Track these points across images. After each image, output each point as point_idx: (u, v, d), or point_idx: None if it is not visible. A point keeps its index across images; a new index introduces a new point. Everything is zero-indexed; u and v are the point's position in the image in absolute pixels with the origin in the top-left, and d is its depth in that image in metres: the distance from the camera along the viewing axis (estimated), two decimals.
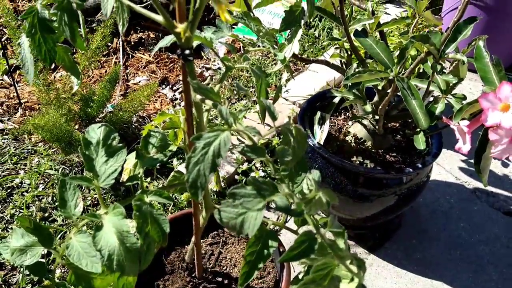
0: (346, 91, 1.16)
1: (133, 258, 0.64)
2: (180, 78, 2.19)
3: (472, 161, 1.69)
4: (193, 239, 0.95)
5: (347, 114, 1.43)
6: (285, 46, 0.86)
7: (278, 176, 0.57)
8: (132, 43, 2.33)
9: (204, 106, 0.73)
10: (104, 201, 0.71)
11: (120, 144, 0.75)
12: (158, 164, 1.47)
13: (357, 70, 0.95)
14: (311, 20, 2.42)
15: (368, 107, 1.14)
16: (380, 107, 1.09)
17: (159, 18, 0.59)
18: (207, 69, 2.25)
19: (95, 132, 0.75)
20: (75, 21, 0.62)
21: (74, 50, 1.80)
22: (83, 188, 1.46)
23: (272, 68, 2.12)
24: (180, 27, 0.52)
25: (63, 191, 0.73)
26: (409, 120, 1.34)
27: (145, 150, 0.80)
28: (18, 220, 0.72)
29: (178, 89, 2.13)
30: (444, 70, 1.14)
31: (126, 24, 0.68)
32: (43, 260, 0.74)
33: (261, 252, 0.74)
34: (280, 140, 0.62)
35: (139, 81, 2.16)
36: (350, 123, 1.41)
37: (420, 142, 1.11)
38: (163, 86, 2.13)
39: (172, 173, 0.90)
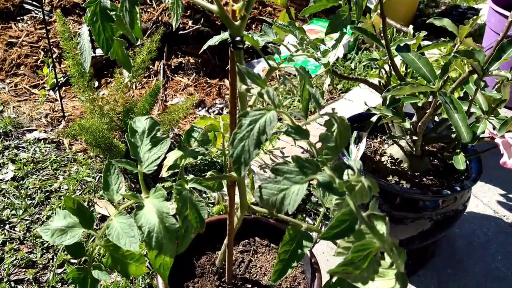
0: (384, 108, 1.16)
1: (171, 237, 0.65)
2: (216, 101, 2.24)
3: (511, 195, 1.64)
4: (225, 241, 0.95)
5: (383, 137, 1.43)
6: (328, 52, 0.88)
7: (320, 158, 0.57)
8: (173, 67, 2.41)
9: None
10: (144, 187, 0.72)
11: (164, 135, 0.77)
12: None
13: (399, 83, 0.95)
14: (349, 53, 2.46)
15: (407, 124, 1.14)
16: (420, 123, 1.09)
17: (213, 7, 0.62)
18: None
19: (141, 123, 0.78)
20: (135, 7, 0.66)
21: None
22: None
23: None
24: (236, 6, 0.55)
25: (108, 175, 0.76)
26: (444, 145, 1.32)
27: (187, 143, 0.82)
28: (63, 199, 0.74)
29: (214, 111, 2.17)
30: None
31: (179, 19, 0.71)
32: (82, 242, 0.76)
33: (295, 251, 0.73)
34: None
35: (177, 102, 2.22)
36: (386, 145, 1.40)
37: (460, 162, 1.10)
38: (200, 108, 2.19)
39: (209, 172, 0.92)
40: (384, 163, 1.30)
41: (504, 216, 1.56)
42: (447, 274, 1.35)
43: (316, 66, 2.30)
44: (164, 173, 0.87)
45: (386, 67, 1.25)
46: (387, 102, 1.20)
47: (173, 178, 1.46)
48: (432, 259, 1.39)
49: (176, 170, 0.88)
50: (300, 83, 0.80)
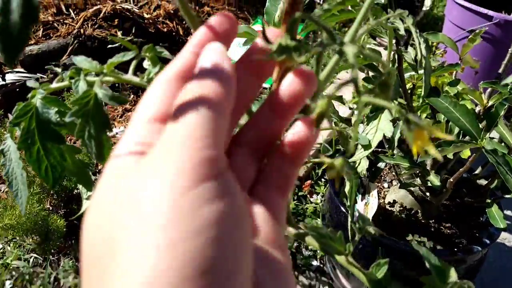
0: (399, 157, 0.95)
1: None
2: None
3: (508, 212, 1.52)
4: None
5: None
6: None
7: None
8: None
9: None
10: None
11: None
12: None
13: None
14: None
15: (436, 181, 0.93)
16: (451, 179, 0.89)
17: None
18: None
19: None
20: (105, 130, 0.38)
21: None
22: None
23: None
24: None
25: None
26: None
27: None
28: None
29: None
30: None
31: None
32: None
33: None
34: None
35: (116, 133, 1.88)
36: (385, 184, 1.21)
37: (497, 218, 0.92)
38: None
39: None
40: (395, 213, 1.10)
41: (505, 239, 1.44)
42: None
43: None
44: None
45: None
46: (395, 144, 0.99)
47: None
48: None
49: None
50: (349, 189, 0.56)
